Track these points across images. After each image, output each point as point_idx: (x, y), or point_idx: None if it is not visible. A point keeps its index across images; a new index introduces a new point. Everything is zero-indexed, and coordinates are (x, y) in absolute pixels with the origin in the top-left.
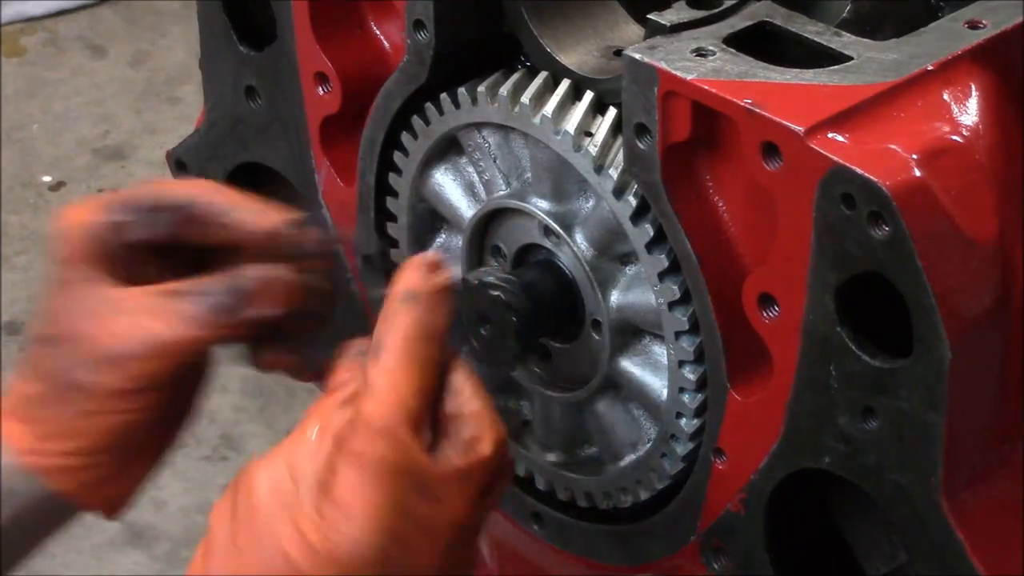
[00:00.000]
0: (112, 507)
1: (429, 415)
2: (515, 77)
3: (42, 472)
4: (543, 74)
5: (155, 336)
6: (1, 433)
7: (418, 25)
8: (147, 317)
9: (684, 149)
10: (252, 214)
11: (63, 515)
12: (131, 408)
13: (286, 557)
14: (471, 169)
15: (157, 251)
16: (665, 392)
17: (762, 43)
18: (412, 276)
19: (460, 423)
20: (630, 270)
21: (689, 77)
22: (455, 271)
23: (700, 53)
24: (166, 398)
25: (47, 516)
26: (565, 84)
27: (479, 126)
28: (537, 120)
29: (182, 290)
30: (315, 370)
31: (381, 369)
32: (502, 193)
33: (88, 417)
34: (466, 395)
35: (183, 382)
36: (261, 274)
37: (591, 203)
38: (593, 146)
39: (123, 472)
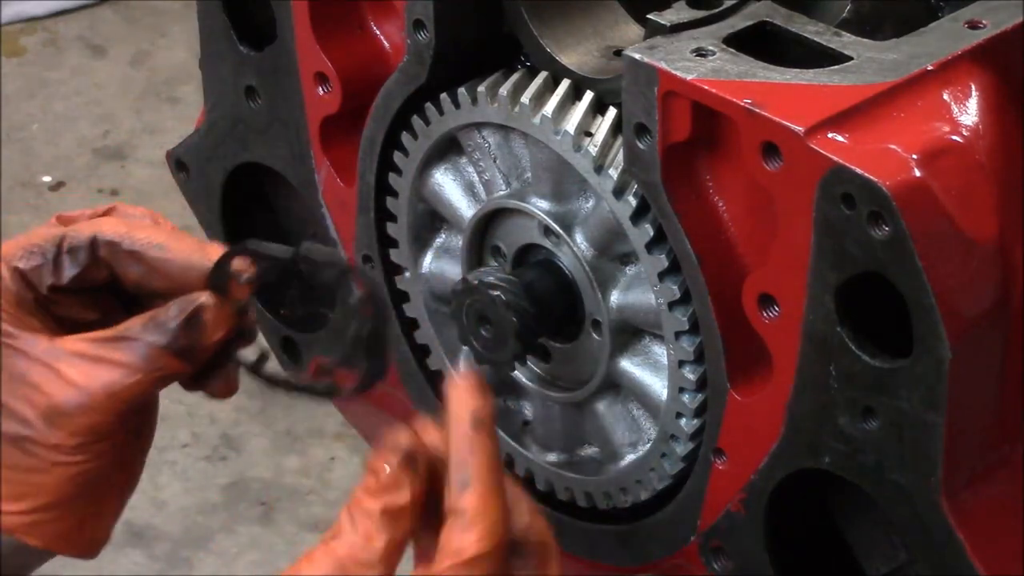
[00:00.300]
0: (87, 549)
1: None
2: (515, 77)
3: (9, 532)
4: (543, 74)
5: (97, 388)
6: None
7: (418, 25)
8: (86, 369)
9: (684, 149)
10: (185, 254)
11: (40, 558)
12: (81, 461)
13: None
14: (471, 169)
15: (83, 289)
16: (665, 392)
17: (762, 43)
18: (474, 400)
19: (528, 544)
20: (630, 270)
21: (689, 77)
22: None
23: (700, 53)
24: (118, 444)
25: (23, 563)
26: (565, 84)
27: (479, 126)
28: (537, 120)
29: (121, 335)
30: (329, 375)
31: (473, 496)
32: (502, 193)
33: (42, 474)
34: (525, 514)
35: (134, 424)
36: (189, 306)
37: (591, 203)
38: (593, 146)
39: (92, 517)
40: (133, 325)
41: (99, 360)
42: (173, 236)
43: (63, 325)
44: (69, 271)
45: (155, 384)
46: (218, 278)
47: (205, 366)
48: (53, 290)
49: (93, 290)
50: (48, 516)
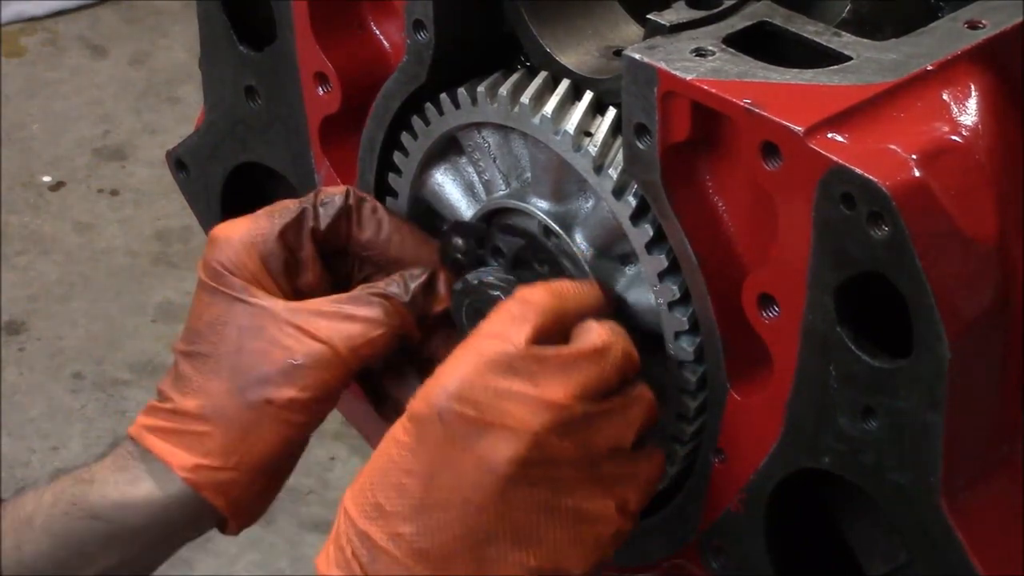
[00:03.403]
0: (241, 524)
1: (549, 334)
2: (515, 77)
3: (198, 489)
4: (543, 74)
5: (338, 342)
6: (155, 452)
7: (418, 25)
8: (327, 324)
9: (684, 149)
10: (418, 228)
11: (201, 529)
12: (301, 421)
13: (391, 435)
14: (471, 169)
15: (308, 261)
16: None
17: (762, 43)
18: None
19: (583, 329)
20: (630, 270)
21: (689, 77)
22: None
23: (700, 53)
24: (326, 412)
25: (189, 530)
26: (565, 84)
27: (479, 126)
28: (537, 120)
29: (366, 291)
30: None
31: (531, 288)
32: (502, 193)
33: (255, 431)
34: (599, 321)
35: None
36: (429, 271)
37: (591, 203)
38: (593, 146)
39: (266, 490)
40: (375, 286)
41: (342, 316)
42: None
43: (298, 296)
44: (325, 218)
45: (392, 340)
46: (446, 251)
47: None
48: (313, 235)
49: (325, 260)
50: (244, 477)
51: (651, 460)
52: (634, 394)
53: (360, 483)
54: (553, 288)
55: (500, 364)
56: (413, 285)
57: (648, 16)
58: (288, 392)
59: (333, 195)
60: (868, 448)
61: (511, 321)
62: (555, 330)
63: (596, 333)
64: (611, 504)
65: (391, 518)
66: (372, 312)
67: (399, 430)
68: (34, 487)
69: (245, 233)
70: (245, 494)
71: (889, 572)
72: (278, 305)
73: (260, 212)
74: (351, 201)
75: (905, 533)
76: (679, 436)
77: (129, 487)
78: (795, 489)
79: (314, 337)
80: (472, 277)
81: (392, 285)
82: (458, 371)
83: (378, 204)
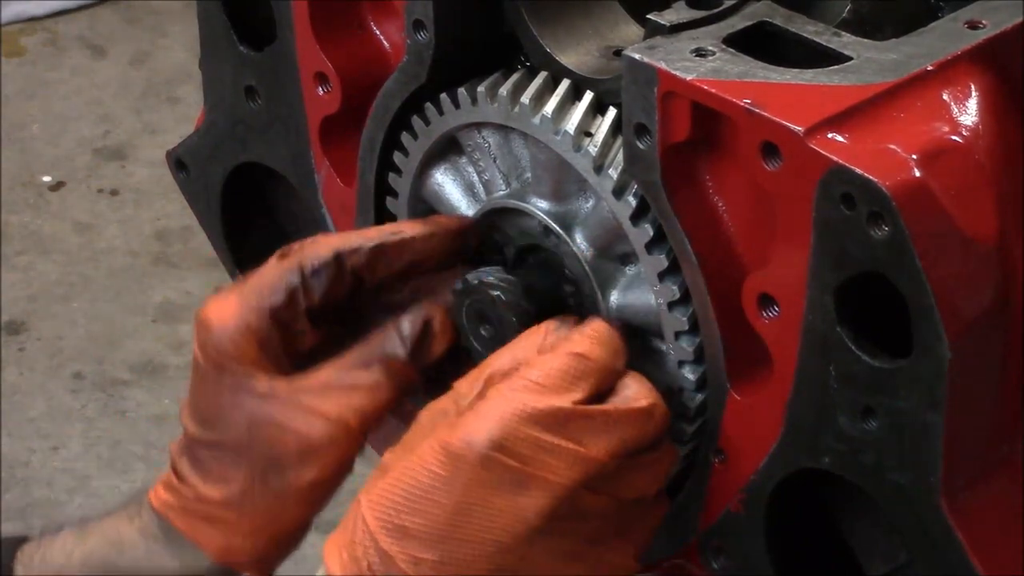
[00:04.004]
0: (271, 572)
1: (590, 394)
2: (515, 77)
3: (233, 566)
4: (543, 74)
5: (349, 416)
6: (184, 534)
7: (418, 25)
8: (335, 398)
9: (684, 149)
10: (419, 226)
11: None
12: (325, 495)
13: (423, 461)
14: (471, 169)
15: (308, 320)
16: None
17: (762, 43)
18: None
19: (622, 386)
20: (630, 270)
21: (689, 77)
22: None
23: (700, 53)
24: (344, 479)
25: None
26: (565, 84)
27: (479, 126)
28: (537, 120)
29: (364, 359)
30: None
31: (588, 340)
32: (502, 193)
33: (282, 514)
34: (633, 377)
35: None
36: (420, 317)
37: (591, 203)
38: (593, 146)
39: (295, 544)
40: (372, 346)
41: (346, 388)
42: (395, 223)
43: (298, 359)
44: (318, 291)
45: (399, 398)
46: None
47: (433, 379)
48: (308, 313)
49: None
50: (276, 551)
51: (660, 505)
52: (663, 449)
53: (381, 498)
54: (606, 341)
55: (548, 419)
56: (409, 336)
57: (648, 16)
58: (308, 475)
59: (323, 260)
60: (868, 448)
61: (568, 378)
62: (605, 387)
63: (640, 392)
64: (631, 551)
65: (414, 542)
66: (374, 378)
67: (432, 459)
68: (58, 533)
69: (239, 318)
70: (278, 559)
71: (889, 572)
72: (282, 388)
73: (248, 288)
74: (345, 267)
75: (905, 533)
76: (679, 436)
77: (159, 559)
78: (795, 489)
79: (324, 416)
80: (472, 277)
81: (388, 343)
82: (503, 415)
83: (373, 246)
